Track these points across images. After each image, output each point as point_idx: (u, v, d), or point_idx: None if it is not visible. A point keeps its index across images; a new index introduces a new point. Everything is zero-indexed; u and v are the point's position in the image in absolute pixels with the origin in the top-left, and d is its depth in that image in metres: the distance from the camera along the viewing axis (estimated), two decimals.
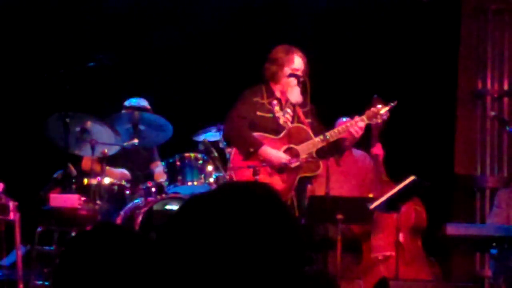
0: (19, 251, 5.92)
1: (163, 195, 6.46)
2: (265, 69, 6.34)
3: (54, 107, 6.41)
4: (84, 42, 7.81)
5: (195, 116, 7.44)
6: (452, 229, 5.88)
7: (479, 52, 8.09)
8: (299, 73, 6.23)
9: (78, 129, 6.39)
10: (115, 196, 6.49)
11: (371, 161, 6.77)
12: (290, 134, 6.27)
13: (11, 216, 5.87)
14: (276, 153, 6.17)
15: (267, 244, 1.68)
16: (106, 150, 6.42)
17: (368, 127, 6.36)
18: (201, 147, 6.56)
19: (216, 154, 6.47)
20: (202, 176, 6.49)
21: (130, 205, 6.46)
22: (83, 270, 2.03)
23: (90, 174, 6.56)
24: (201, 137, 6.76)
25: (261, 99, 6.30)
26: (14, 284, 5.96)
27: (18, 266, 5.90)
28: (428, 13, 7.98)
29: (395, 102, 6.28)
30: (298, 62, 6.26)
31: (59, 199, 6.23)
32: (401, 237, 6.30)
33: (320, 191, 6.26)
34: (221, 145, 6.51)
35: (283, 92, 6.33)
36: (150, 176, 7.10)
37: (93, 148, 6.35)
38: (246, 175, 6.01)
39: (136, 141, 6.59)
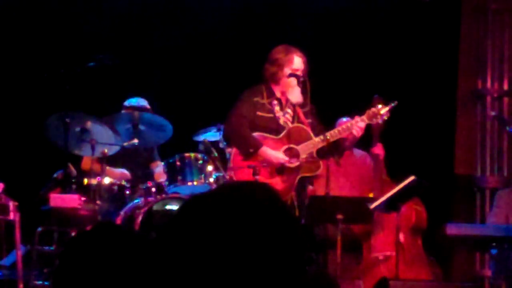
0: (19, 251, 5.92)
1: (163, 195, 6.46)
2: (265, 70, 6.34)
3: (54, 107, 6.41)
4: (84, 42, 7.81)
5: (195, 116, 7.44)
6: (452, 229, 5.88)
7: (479, 52, 8.09)
8: (299, 73, 6.23)
9: (78, 129, 6.39)
10: (115, 196, 6.49)
11: (372, 161, 6.76)
12: (290, 134, 6.27)
13: (11, 216, 5.87)
14: (275, 154, 6.17)
15: (267, 244, 1.68)
16: (106, 150, 6.42)
17: (368, 127, 6.36)
18: (201, 147, 6.56)
19: (216, 154, 6.46)
20: (202, 176, 6.49)
21: (130, 205, 6.46)
22: (83, 270, 2.03)
23: (90, 174, 6.56)
24: (201, 137, 6.75)
25: (261, 99, 6.30)
26: (14, 284, 5.96)
27: (18, 266, 5.90)
28: (428, 13, 7.98)
29: (395, 102, 6.29)
30: (297, 62, 6.26)
31: (59, 199, 6.22)
32: (401, 237, 6.30)
33: (320, 191, 6.26)
34: (221, 145, 6.51)
35: (283, 92, 6.33)
36: (150, 176, 7.09)
37: (93, 148, 6.35)
38: (246, 175, 6.01)
39: (136, 141, 6.59)
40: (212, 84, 7.93)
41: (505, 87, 8.07)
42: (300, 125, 6.30)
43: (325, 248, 6.47)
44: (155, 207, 6.40)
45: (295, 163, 6.18)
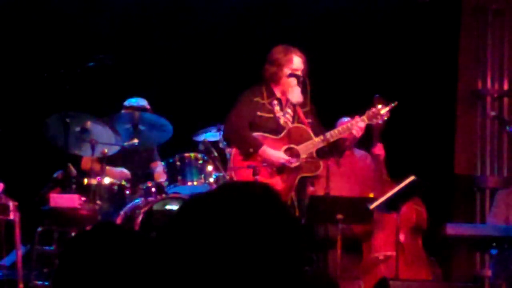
0: (19, 251, 5.92)
1: (163, 195, 6.46)
2: (265, 70, 6.33)
3: (54, 107, 6.41)
4: (84, 42, 7.81)
5: (195, 116, 7.44)
6: (452, 229, 5.88)
7: (479, 52, 8.09)
8: (298, 73, 6.23)
9: (78, 129, 6.38)
10: (115, 196, 6.49)
11: (372, 161, 6.76)
12: (290, 134, 6.27)
13: (11, 216, 5.87)
14: (275, 153, 6.17)
15: (267, 244, 1.68)
16: (106, 150, 6.42)
17: (369, 127, 6.36)
18: (201, 147, 6.56)
19: (216, 154, 6.46)
20: (202, 176, 6.49)
21: (130, 205, 6.46)
22: (83, 270, 2.03)
23: (90, 174, 6.56)
24: (201, 137, 6.76)
25: (262, 99, 6.30)
26: (14, 284, 5.96)
27: (18, 266, 5.90)
28: (428, 13, 7.98)
29: (396, 103, 6.29)
30: (297, 61, 6.26)
31: (59, 199, 6.22)
32: (401, 237, 6.30)
33: (320, 191, 6.26)
34: (221, 145, 6.51)
35: (283, 92, 6.33)
36: (150, 176, 7.09)
37: (93, 148, 6.35)
38: (246, 175, 6.01)
39: (136, 141, 6.59)
40: (212, 84, 7.92)
41: (505, 87, 8.07)
42: (300, 125, 6.30)
43: (325, 248, 6.47)
44: (155, 207, 6.40)
45: (295, 163, 6.18)
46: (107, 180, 6.45)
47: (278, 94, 6.34)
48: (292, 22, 8.02)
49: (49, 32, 7.98)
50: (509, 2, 8.14)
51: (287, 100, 6.32)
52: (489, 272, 7.12)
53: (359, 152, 6.99)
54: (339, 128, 6.27)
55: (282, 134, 6.27)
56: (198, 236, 1.68)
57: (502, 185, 7.67)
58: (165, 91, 7.89)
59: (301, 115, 6.29)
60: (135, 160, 7.10)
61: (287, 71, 6.25)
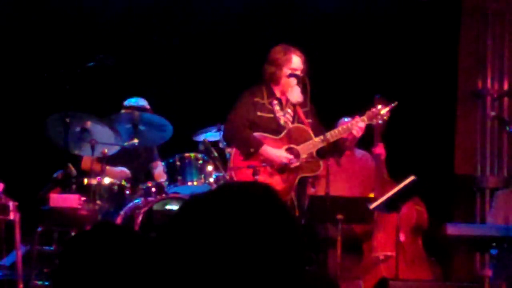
0: (19, 251, 5.92)
1: (163, 195, 6.46)
2: (264, 70, 6.33)
3: (54, 107, 6.41)
4: (84, 42, 7.81)
5: (195, 116, 7.44)
6: (452, 229, 5.88)
7: (479, 52, 8.09)
8: (298, 72, 6.23)
9: (78, 129, 6.39)
10: (115, 196, 6.48)
11: (373, 161, 6.77)
12: (291, 134, 6.27)
13: (11, 216, 5.87)
14: (277, 152, 6.17)
15: (267, 244, 1.68)
16: (106, 150, 6.42)
17: (370, 127, 6.36)
18: (201, 147, 6.56)
19: (216, 154, 6.46)
20: (202, 176, 6.49)
21: (130, 205, 6.46)
22: (83, 270, 2.03)
23: (90, 174, 6.56)
24: (201, 137, 6.76)
25: (262, 99, 6.30)
26: (14, 284, 5.96)
27: (18, 266, 5.90)
28: (427, 13, 7.98)
29: (396, 103, 6.29)
30: (296, 61, 6.26)
31: (59, 199, 6.22)
32: (402, 237, 6.30)
33: (321, 191, 6.26)
34: (221, 145, 6.51)
35: (283, 92, 6.33)
36: (150, 176, 7.09)
37: (93, 148, 6.35)
38: (246, 175, 6.01)
39: (136, 141, 6.59)
40: (212, 84, 7.93)
41: (505, 87, 8.08)
42: (300, 125, 6.30)
43: (325, 248, 6.47)
44: (155, 207, 6.40)
45: (295, 163, 6.18)
46: (107, 180, 6.44)
47: (278, 94, 6.33)
48: (292, 22, 8.03)
49: (49, 32, 7.98)
50: (509, 2, 8.15)
51: (287, 100, 6.32)
52: (489, 272, 7.12)
53: (359, 152, 6.99)
54: (339, 128, 6.27)
55: (282, 134, 6.27)
56: (198, 236, 1.68)
57: (502, 185, 7.68)
58: (165, 91, 7.89)
59: (301, 115, 6.29)
60: (135, 160, 7.10)
61: (286, 71, 6.24)
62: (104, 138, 6.38)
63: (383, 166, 6.68)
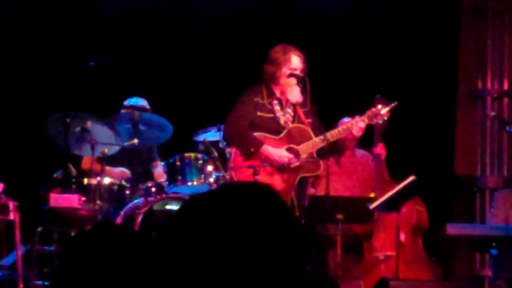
0: (19, 251, 5.92)
1: (163, 195, 6.46)
2: (264, 70, 6.33)
3: (54, 107, 6.41)
4: (84, 42, 7.81)
5: (195, 116, 7.44)
6: (452, 229, 5.88)
7: (479, 52, 8.09)
8: (297, 72, 6.22)
9: (78, 129, 6.39)
10: (115, 196, 6.48)
11: (373, 160, 6.76)
12: (291, 134, 6.27)
13: (11, 216, 5.87)
14: (277, 152, 6.16)
15: (267, 244, 1.68)
16: (106, 150, 6.42)
17: (370, 127, 6.36)
18: (201, 147, 6.56)
19: (216, 154, 6.46)
20: (202, 176, 6.49)
21: (130, 205, 6.46)
22: (83, 270, 2.03)
23: (90, 174, 6.56)
24: (201, 137, 6.76)
25: (262, 99, 6.29)
26: (14, 284, 5.96)
27: (18, 266, 5.90)
28: (428, 13, 7.98)
29: (396, 103, 6.29)
30: (296, 61, 6.25)
31: (59, 199, 6.22)
32: (402, 237, 6.30)
33: (321, 191, 6.26)
34: (221, 145, 6.51)
35: (283, 92, 6.32)
36: (150, 176, 7.09)
37: (93, 148, 6.35)
38: (246, 175, 6.01)
39: (136, 141, 6.59)
40: (212, 84, 7.92)
41: (505, 87, 8.07)
42: (300, 125, 6.30)
43: (325, 248, 6.47)
44: (155, 207, 6.40)
45: (295, 163, 6.17)
46: (107, 180, 6.45)
47: (278, 94, 6.33)
48: (292, 22, 8.02)
49: (49, 32, 7.98)
50: (509, 2, 8.15)
51: (287, 100, 6.32)
52: (489, 272, 7.12)
53: (359, 152, 6.99)
54: (339, 128, 6.27)
55: (282, 134, 6.26)
56: (198, 236, 1.68)
57: (502, 185, 7.68)
58: (165, 91, 7.88)
59: (301, 115, 6.28)
60: (135, 160, 7.10)
61: (286, 70, 6.24)
62: (104, 138, 6.38)
63: (383, 166, 6.68)
